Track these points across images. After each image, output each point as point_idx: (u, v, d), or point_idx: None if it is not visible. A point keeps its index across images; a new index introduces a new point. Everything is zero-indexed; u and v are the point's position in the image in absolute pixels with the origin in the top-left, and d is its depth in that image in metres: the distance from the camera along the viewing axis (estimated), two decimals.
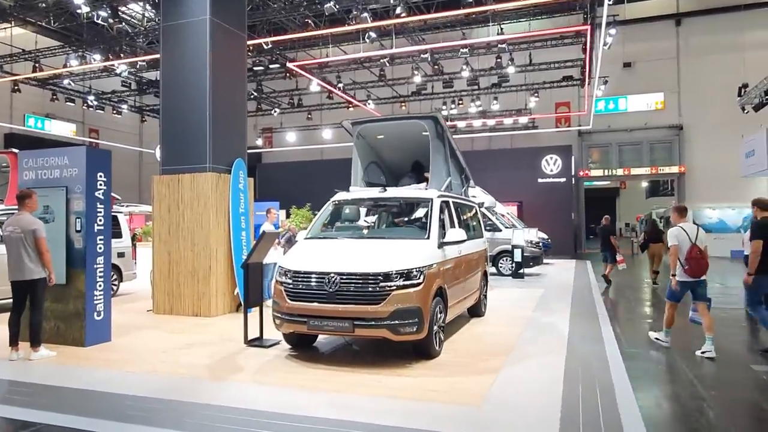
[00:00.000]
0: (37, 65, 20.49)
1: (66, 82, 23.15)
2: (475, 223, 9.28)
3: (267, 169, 35.86)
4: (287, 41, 18.61)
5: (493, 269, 16.34)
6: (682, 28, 30.58)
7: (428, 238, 6.54)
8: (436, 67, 21.74)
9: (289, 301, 6.09)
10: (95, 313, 7.08)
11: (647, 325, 8.76)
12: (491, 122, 30.10)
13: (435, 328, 6.21)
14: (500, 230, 16.47)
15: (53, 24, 19.42)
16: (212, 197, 9.32)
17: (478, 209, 9.79)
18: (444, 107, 26.79)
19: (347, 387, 5.16)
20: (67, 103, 24.80)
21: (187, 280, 9.35)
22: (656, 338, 7.23)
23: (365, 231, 7.42)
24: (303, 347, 6.74)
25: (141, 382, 5.35)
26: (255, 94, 24.29)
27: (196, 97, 9.46)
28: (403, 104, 27.45)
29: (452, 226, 7.50)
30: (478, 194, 16.78)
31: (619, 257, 13.96)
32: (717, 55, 29.17)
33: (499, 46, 18.93)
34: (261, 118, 34.16)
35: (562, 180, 29.70)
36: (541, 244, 17.43)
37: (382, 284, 5.77)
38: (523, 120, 30.19)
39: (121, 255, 12.13)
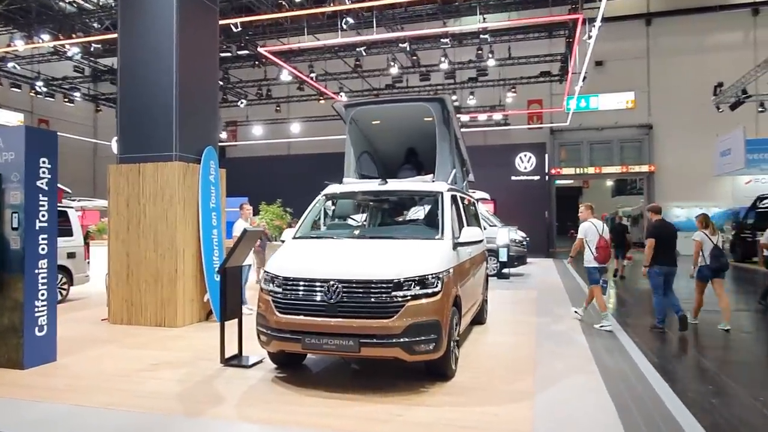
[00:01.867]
0: None
1: (10, 65, 21.14)
2: (476, 222, 8.40)
3: (233, 164, 34.23)
4: (257, 23, 17.33)
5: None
6: (652, 27, 30.63)
7: (442, 237, 5.59)
8: (414, 57, 20.81)
9: (278, 314, 5.03)
10: (36, 328, 5.84)
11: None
12: (465, 118, 29.44)
13: (452, 344, 5.27)
14: (484, 229, 15.65)
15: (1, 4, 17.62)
16: (179, 190, 8.12)
17: (477, 205, 8.92)
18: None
19: (358, 423, 4.16)
20: (12, 89, 22.74)
21: (148, 285, 8.13)
22: (601, 326, 7.95)
23: (366, 230, 6.40)
24: (290, 367, 5.70)
25: (93, 422, 4.22)
26: (221, 83, 22.80)
27: (160, 76, 8.23)
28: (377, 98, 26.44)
29: (460, 223, 6.58)
30: (472, 190, 16.01)
31: (629, 254, 14.54)
32: (686, 55, 29.32)
33: (482, 36, 18.13)
34: (225, 110, 32.55)
35: (536, 178, 29.35)
36: (524, 243, 16.76)
37: (394, 294, 4.79)
38: (498, 116, 29.65)
39: (71, 255, 10.76)
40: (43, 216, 5.92)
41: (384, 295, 4.78)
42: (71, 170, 26.88)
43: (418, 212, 6.66)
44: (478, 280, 7.28)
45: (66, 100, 25.59)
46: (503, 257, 14.86)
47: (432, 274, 4.98)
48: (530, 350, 6.48)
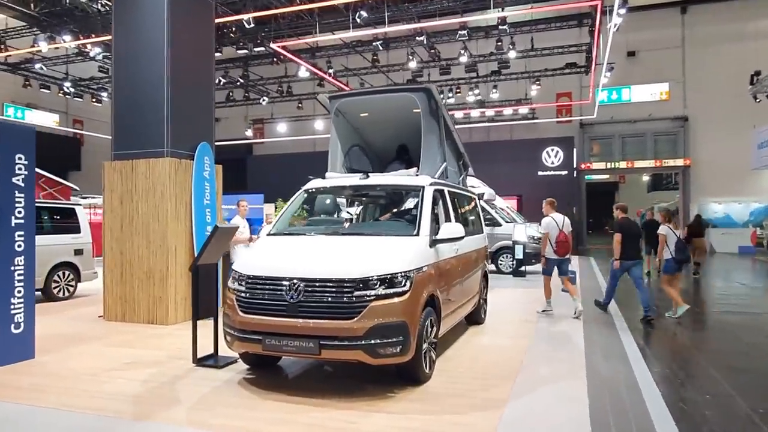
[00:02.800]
0: (2, 46, 19.06)
1: (38, 66, 21.70)
2: (474, 217, 8.05)
3: (258, 162, 34.54)
4: (268, 17, 17.24)
5: (492, 267, 15.14)
6: (687, 16, 29.33)
7: (417, 234, 5.29)
8: (432, 51, 20.41)
9: (241, 313, 4.84)
10: (12, 325, 5.81)
11: (672, 332, 7.58)
12: (490, 112, 28.85)
13: (425, 346, 4.97)
14: (500, 225, 15.25)
15: (33, 8, 18.00)
16: (170, 186, 8.04)
17: (477, 201, 8.55)
18: (441, 96, 25.50)
19: (307, 431, 3.92)
20: (42, 90, 23.36)
21: (141, 283, 8.09)
22: (543, 310, 8.72)
23: (343, 226, 6.15)
24: (264, 368, 5.51)
25: (45, 424, 4.10)
26: (241, 81, 22.91)
27: (152, 71, 8.16)
28: None
29: (447, 219, 6.25)
30: (476, 185, 15.58)
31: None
32: (723, 44, 27.99)
33: (500, 27, 17.60)
34: (251, 108, 32.81)
35: (564, 173, 28.59)
36: None
37: (357, 293, 4.53)
38: (524, 110, 28.93)
39: (78, 252, 10.87)
40: (20, 213, 5.88)
41: (346, 295, 4.53)
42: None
43: (399, 207, 6.37)
44: (470, 279, 6.94)
45: (94, 99, 26.14)
46: (519, 254, 14.39)
47: (400, 273, 4.69)
48: (520, 353, 6.12)
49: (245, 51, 18.88)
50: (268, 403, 4.50)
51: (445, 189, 6.45)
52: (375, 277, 4.58)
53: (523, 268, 14.65)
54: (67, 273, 10.62)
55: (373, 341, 4.46)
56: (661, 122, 29.64)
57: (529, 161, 28.57)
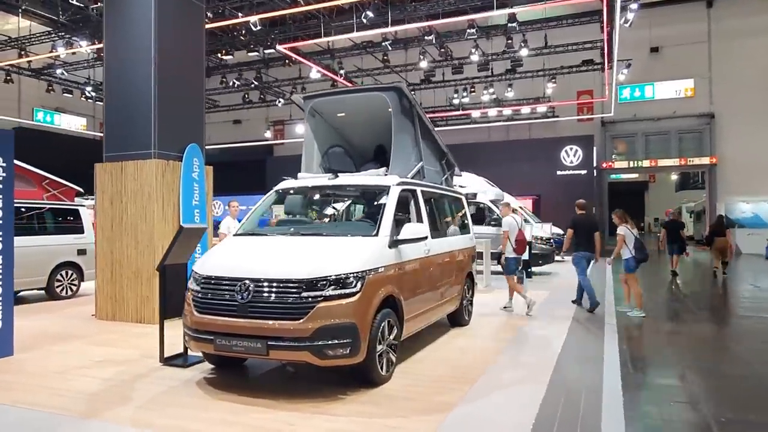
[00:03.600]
0: (23, 52, 19.70)
1: (59, 71, 22.36)
2: (458, 217, 7.94)
3: (277, 163, 34.87)
4: (277, 20, 17.38)
5: (498, 267, 14.92)
6: (713, 10, 28.46)
7: (376, 234, 5.24)
8: (442, 50, 20.26)
9: (196, 313, 4.88)
10: None
11: (664, 336, 7.34)
12: (508, 111, 28.51)
13: (381, 348, 4.91)
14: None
15: (61, 16, 18.52)
16: (157, 187, 8.16)
17: (464, 201, 8.43)
18: (456, 95, 25.29)
19: None
20: (65, 95, 24.07)
21: (130, 282, 8.24)
22: (504, 307, 9.17)
23: (302, 226, 6.13)
24: (229, 367, 5.52)
25: None
26: (256, 83, 23.15)
27: (140, 73, 8.29)
28: (412, 92, 26.01)
29: (419, 220, 6.18)
30: (471, 184, 15.40)
31: (686, 250, 15.09)
32: (751, 38, 27.07)
33: (510, 25, 17.35)
34: (271, 109, 33.14)
35: (583, 172, 28.07)
36: (552, 240, 15.91)
37: (304, 294, 4.51)
38: (542, 109, 28.49)
39: (81, 252, 11.12)
40: None
41: (293, 296, 4.52)
42: None
43: (365, 208, 6.33)
44: (447, 280, 6.85)
45: None
46: (524, 255, 14.11)
47: (350, 274, 4.65)
48: (492, 356, 6.00)
49: (256, 53, 19.06)
50: (217, 404, 4.52)
51: (418, 189, 6.37)
52: (323, 278, 4.55)
53: (529, 269, 14.37)
54: (70, 272, 10.88)
55: (319, 342, 4.44)
56: (686, 119, 28.82)
57: (548, 161, 28.14)
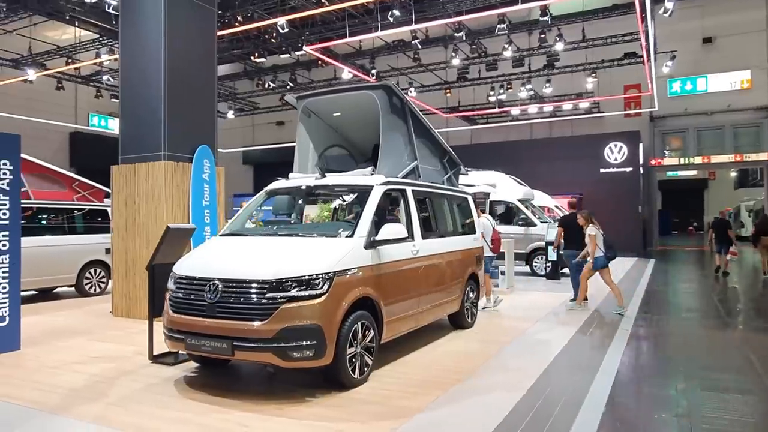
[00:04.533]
0: (70, 60, 20.73)
1: (105, 78, 23.38)
2: (460, 218, 7.74)
3: None
4: (304, 21, 17.53)
5: (526, 268, 14.54)
6: None
7: (351, 235, 5.16)
8: (473, 47, 19.89)
9: (171, 312, 4.96)
10: None
11: (680, 343, 6.91)
12: (549, 108, 27.74)
13: (352, 350, 4.83)
14: (534, 225, 14.57)
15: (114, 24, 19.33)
16: (166, 188, 8.37)
17: (470, 200, 8.21)
18: (492, 92, 24.80)
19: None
20: (113, 100, 25.15)
21: (142, 281, 8.45)
22: (483, 307, 8.94)
23: (280, 227, 6.12)
24: (214, 366, 5.57)
25: None
26: (291, 84, 23.47)
27: (151, 78, 8.53)
28: (447, 91, 25.72)
29: (409, 220, 6.06)
30: (499, 182, 15.03)
31: (733, 249, 14.57)
32: None
33: (541, 18, 16.85)
34: None
35: (628, 170, 26.92)
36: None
37: (269, 295, 4.49)
38: (585, 105, 27.54)
39: (109, 251, 11.54)
40: (4, 214, 6.33)
41: (258, 296, 4.51)
42: None
43: (350, 208, 6.25)
44: (442, 282, 6.68)
45: None
46: (553, 256, 13.68)
47: (318, 275, 4.60)
48: (480, 361, 5.80)
49: (288, 55, 19.32)
50: (184, 402, 4.56)
51: (409, 189, 6.24)
52: (288, 279, 4.52)
53: (560, 270, 13.89)
54: (98, 270, 11.33)
55: (283, 344, 4.40)
56: (742, 113, 27.21)
57: (591, 158, 27.15)
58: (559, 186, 24.58)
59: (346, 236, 5.15)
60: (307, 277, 4.55)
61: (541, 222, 14.67)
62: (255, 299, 4.50)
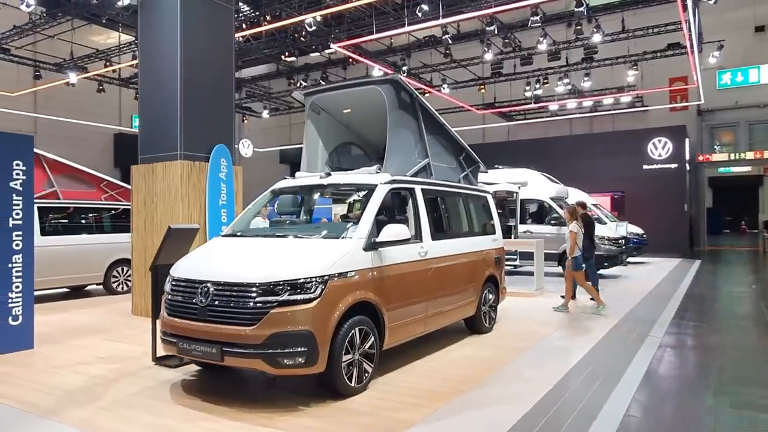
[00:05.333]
0: (108, 63, 21.27)
1: None
2: (477, 217, 7.40)
3: None
4: (331, 17, 17.38)
5: (559, 269, 13.97)
6: None
7: (349, 236, 4.93)
8: (506, 41, 19.31)
9: (165, 315, 4.86)
10: (10, 318, 6.34)
11: (717, 353, 6.39)
12: (589, 102, 26.77)
13: (348, 357, 4.61)
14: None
15: None
16: (182, 188, 8.35)
17: (489, 199, 7.86)
18: (528, 87, 24.12)
19: None
20: None
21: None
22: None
23: (279, 228, 5.94)
24: (215, 371, 5.44)
25: None
26: (323, 83, 23.42)
27: (167, 78, 8.54)
28: (482, 87, 25.16)
29: (417, 220, 5.79)
30: (530, 180, 14.49)
31: None
32: None
33: (576, 9, 16.17)
34: None
35: (673, 166, 25.73)
36: (622, 241, 14.62)
37: (259, 299, 4.31)
38: (627, 99, 26.45)
39: None
40: (17, 215, 6.40)
41: (249, 300, 4.34)
42: None
43: (352, 207, 6.01)
44: (456, 285, 6.38)
45: None
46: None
47: (311, 278, 4.39)
48: (491, 369, 5.48)
49: (318, 53, 19.25)
50: (174, 408, 4.44)
51: (417, 188, 5.96)
52: (278, 282, 4.33)
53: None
54: (125, 269, 11.49)
55: (272, 350, 4.22)
56: None
57: (633, 154, 26.06)
58: (599, 184, 23.70)
59: (344, 238, 4.92)
60: (298, 281, 4.35)
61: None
62: (245, 303, 4.33)
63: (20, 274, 6.43)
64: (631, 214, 22.15)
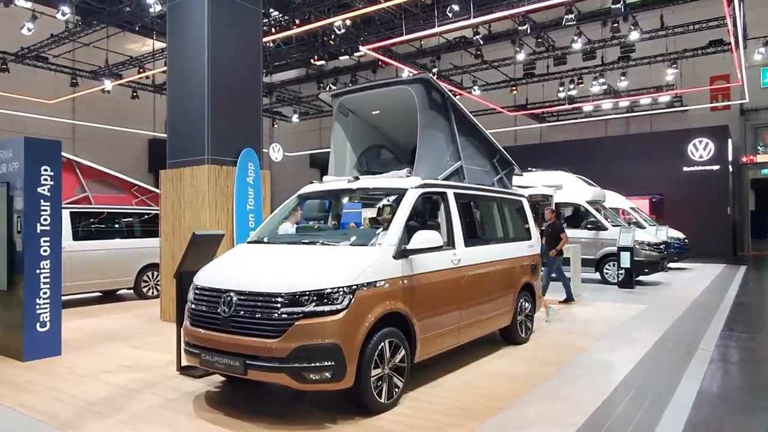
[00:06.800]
0: (141, 69, 21.58)
1: None
2: (512, 222, 7.07)
3: None
4: (359, 20, 17.22)
5: (596, 275, 13.47)
6: None
7: (380, 243, 4.67)
8: (539, 40, 18.84)
9: (188, 324, 4.69)
10: (38, 324, 6.30)
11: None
12: (625, 103, 25.97)
13: (378, 372, 4.35)
14: (606, 229, 13.47)
15: None
16: (210, 193, 8.25)
17: (525, 203, 7.51)
18: (561, 88, 23.53)
19: None
20: None
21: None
22: None
23: (306, 234, 5.72)
24: (238, 381, 5.25)
25: None
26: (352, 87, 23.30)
27: (194, 82, 8.45)
28: (514, 89, 24.65)
29: (450, 225, 5.51)
30: (566, 183, 13.99)
31: None
32: None
33: (613, 6, 15.61)
34: None
35: (715, 168, 24.75)
36: (663, 246, 14.00)
37: (284, 309, 4.09)
38: (665, 99, 25.56)
39: None
40: (45, 220, 6.36)
41: (273, 311, 4.12)
42: None
43: (381, 213, 5.74)
44: (490, 293, 6.07)
45: None
46: (626, 263, 12.55)
47: (338, 288, 4.16)
48: (528, 385, 5.14)
49: (347, 56, 19.13)
50: (194, 423, 4.26)
51: (450, 192, 5.68)
52: (304, 292, 4.10)
53: (634, 278, 12.73)
54: (155, 273, 11.49)
55: (297, 364, 3.99)
56: None
57: (672, 156, 25.16)
58: (636, 186, 22.95)
59: (373, 245, 4.67)
60: (325, 291, 4.12)
61: (613, 225, 13.53)
62: (269, 314, 4.12)
63: (48, 280, 6.38)
64: (671, 218, 21.33)
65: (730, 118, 25.85)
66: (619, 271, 12.92)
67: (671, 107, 26.33)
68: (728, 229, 23.48)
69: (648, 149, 25.35)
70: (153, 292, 11.40)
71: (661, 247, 13.81)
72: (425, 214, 5.50)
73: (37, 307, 6.29)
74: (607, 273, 13.42)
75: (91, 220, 10.70)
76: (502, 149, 7.10)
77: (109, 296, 11.39)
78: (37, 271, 6.29)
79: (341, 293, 4.15)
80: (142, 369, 5.82)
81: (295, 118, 30.93)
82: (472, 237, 5.94)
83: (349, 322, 4.14)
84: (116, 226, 11.09)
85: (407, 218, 4.92)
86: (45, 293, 6.35)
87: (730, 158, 24.13)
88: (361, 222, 13.01)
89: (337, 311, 4.11)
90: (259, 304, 4.19)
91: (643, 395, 4.93)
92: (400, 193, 5.17)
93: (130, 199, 11.72)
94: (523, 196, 7.55)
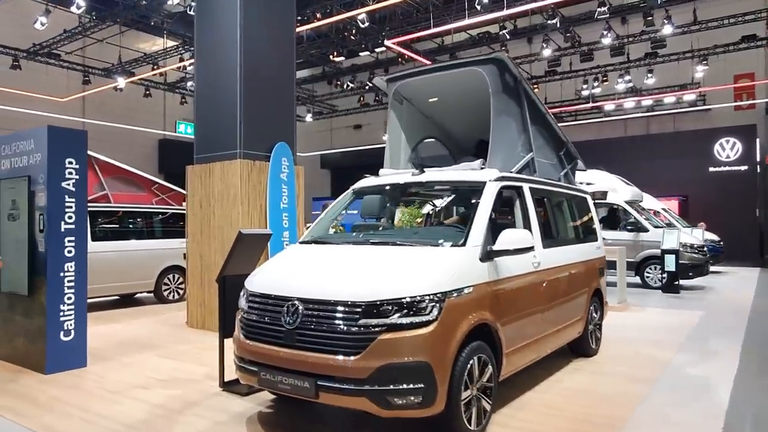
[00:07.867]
0: (155, 66, 21.02)
1: (189, 84, 23.64)
2: (580, 221, 6.43)
3: None
4: (381, 13, 16.62)
5: (637, 279, 12.79)
6: None
7: (463, 244, 4.04)
8: (568, 35, 18.19)
9: (242, 337, 4.05)
10: (62, 332, 5.68)
11: None
12: (648, 102, 25.26)
13: (468, 394, 3.72)
14: (646, 230, 12.79)
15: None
16: (242, 189, 7.63)
17: (590, 201, 6.87)
18: (585, 86, 22.86)
19: None
20: None
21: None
22: None
23: (373, 233, 5.08)
24: (293, 401, 4.62)
25: None
26: (370, 85, 22.70)
27: (225, 72, 7.85)
28: (535, 86, 23.97)
29: (527, 224, 4.87)
30: (602, 182, 13.31)
31: None
32: None
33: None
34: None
35: (743, 168, 24.01)
36: (706, 248, 13.32)
37: (363, 321, 3.46)
38: (690, 97, 24.84)
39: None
40: (70, 218, 5.75)
41: (349, 323, 3.49)
42: None
43: (456, 209, 5.12)
44: (566, 300, 5.43)
45: None
46: (670, 266, 11.87)
47: (426, 296, 3.52)
48: (627, 407, 4.49)
49: (367, 52, 18.53)
50: None
51: (525, 186, 5.05)
52: (387, 301, 3.47)
53: (677, 283, 12.05)
54: (176, 276, 10.89)
55: (381, 387, 3.36)
56: None
57: (697, 156, 24.44)
58: (660, 187, 22.20)
59: (457, 245, 4.03)
60: (412, 300, 3.49)
61: (655, 227, 12.85)
62: (345, 326, 3.49)
63: (73, 284, 5.77)
64: (696, 220, 20.64)
65: (756, 117, 25.13)
66: (663, 275, 12.25)
67: (694, 106, 25.62)
68: (756, 231, 22.77)
69: (671, 149, 24.65)
70: (174, 296, 10.81)
71: (705, 249, 13.12)
72: (501, 211, 4.87)
73: (61, 313, 5.68)
74: (648, 277, 12.74)
75: (111, 219, 10.12)
76: (569, 141, 6.45)
77: (126, 300, 10.78)
78: (61, 274, 5.68)
79: (429, 302, 3.52)
80: (178, 384, 5.20)
81: (308, 118, 30.34)
82: (548, 237, 5.30)
83: (440, 336, 3.50)
84: (136, 226, 10.50)
85: (489, 216, 4.28)
86: (69, 298, 5.74)
87: (758, 158, 23.41)
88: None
89: (427, 323, 3.47)
90: (331, 314, 3.55)
91: (763, 420, 4.27)
92: (477, 188, 4.53)
93: (150, 198, 11.13)
94: (588, 194, 6.90)
